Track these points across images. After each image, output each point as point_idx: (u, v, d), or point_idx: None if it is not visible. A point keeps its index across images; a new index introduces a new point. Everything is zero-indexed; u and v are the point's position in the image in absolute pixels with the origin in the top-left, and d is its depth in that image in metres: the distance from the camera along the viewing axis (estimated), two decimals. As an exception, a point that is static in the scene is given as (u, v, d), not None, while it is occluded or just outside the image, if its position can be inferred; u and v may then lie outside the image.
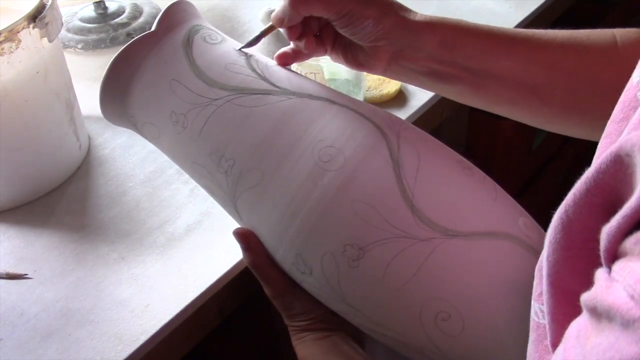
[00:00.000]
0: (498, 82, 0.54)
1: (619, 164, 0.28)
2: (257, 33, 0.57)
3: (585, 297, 0.28)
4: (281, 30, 0.56)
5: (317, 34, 0.56)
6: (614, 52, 0.52)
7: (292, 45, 0.57)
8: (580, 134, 0.57)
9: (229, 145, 0.51)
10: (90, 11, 0.96)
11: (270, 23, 0.55)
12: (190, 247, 0.65)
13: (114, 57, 0.53)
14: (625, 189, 0.28)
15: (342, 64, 0.58)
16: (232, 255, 0.63)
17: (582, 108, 0.54)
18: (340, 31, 0.53)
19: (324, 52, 0.57)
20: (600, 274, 0.28)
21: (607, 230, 0.27)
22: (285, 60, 0.57)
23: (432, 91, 0.57)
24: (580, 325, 0.28)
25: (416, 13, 0.53)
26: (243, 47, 0.56)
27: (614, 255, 0.27)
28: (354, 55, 0.56)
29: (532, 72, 0.53)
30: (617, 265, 0.26)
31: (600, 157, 0.36)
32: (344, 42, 0.56)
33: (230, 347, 0.85)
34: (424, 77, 0.55)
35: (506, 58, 0.53)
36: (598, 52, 0.52)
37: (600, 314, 0.26)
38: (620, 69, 0.48)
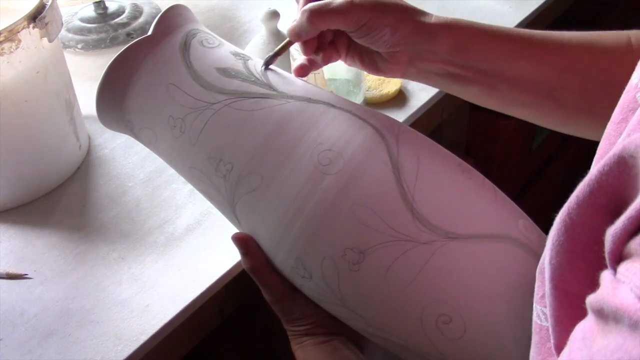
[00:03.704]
0: (511, 84, 0.54)
1: (623, 165, 0.28)
2: (273, 51, 0.56)
3: (591, 299, 0.27)
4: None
5: (331, 40, 0.56)
6: (628, 53, 0.52)
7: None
8: (594, 136, 0.57)
9: (227, 149, 0.51)
10: (90, 11, 0.96)
11: (288, 39, 0.55)
12: (190, 247, 0.65)
13: (111, 62, 0.53)
14: (630, 190, 0.28)
15: (359, 68, 0.58)
16: (232, 255, 0.63)
17: (596, 110, 0.54)
18: (358, 41, 0.53)
19: (338, 58, 0.57)
20: (605, 275, 0.28)
21: (611, 232, 0.27)
22: (303, 72, 0.57)
23: (449, 92, 0.57)
24: (585, 327, 0.28)
25: (431, 15, 0.53)
26: (263, 66, 0.55)
27: (619, 256, 0.27)
28: (371, 60, 0.56)
29: (546, 75, 0.53)
30: (623, 267, 0.26)
31: (600, 158, 0.36)
32: (360, 48, 0.55)
33: (230, 347, 0.85)
34: (441, 79, 0.55)
35: (520, 60, 0.53)
36: (612, 54, 0.52)
37: (607, 316, 0.26)
38: (632, 70, 0.48)
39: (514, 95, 0.54)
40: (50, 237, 0.67)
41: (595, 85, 0.52)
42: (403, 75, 0.56)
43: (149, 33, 0.55)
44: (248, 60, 0.55)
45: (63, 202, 0.71)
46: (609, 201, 0.29)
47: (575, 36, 0.54)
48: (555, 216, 0.31)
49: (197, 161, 0.52)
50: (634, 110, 0.35)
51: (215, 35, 0.58)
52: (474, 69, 0.53)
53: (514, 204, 0.52)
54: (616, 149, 0.28)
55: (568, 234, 0.31)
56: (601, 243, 0.28)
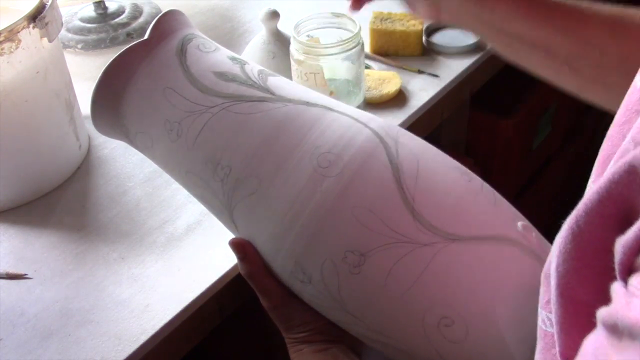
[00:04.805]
0: (529, 47, 0.55)
1: (633, 174, 0.28)
2: None
3: (603, 314, 0.27)
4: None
5: None
6: None
7: None
8: (608, 106, 0.57)
9: (224, 153, 0.50)
10: (90, 11, 0.96)
11: None
12: (190, 247, 0.65)
13: (105, 67, 0.53)
14: None
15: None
16: (231, 255, 0.62)
17: (610, 85, 0.55)
18: None
19: None
20: (617, 288, 0.27)
21: (622, 242, 0.27)
22: (359, 5, 0.62)
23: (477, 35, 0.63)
24: (597, 343, 0.27)
25: None
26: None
27: (630, 268, 0.27)
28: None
29: (566, 44, 0.54)
30: (635, 279, 0.26)
31: (603, 160, 0.36)
32: None
33: (230, 347, 0.85)
34: (470, 22, 0.59)
35: (543, 26, 0.54)
36: (634, 33, 0.52)
37: (621, 332, 0.25)
38: None
39: (529, 56, 0.57)
40: (50, 237, 0.67)
41: (612, 62, 0.53)
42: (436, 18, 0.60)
43: (145, 37, 0.54)
44: (245, 64, 0.55)
45: (63, 202, 0.71)
46: (618, 210, 0.29)
47: (602, 10, 0.54)
48: (561, 222, 0.31)
49: (194, 165, 0.52)
50: (637, 112, 0.35)
51: (212, 41, 0.58)
52: (495, 28, 0.56)
53: (512, 206, 0.52)
54: (627, 157, 0.28)
55: (575, 242, 0.30)
56: (609, 252, 0.28)
